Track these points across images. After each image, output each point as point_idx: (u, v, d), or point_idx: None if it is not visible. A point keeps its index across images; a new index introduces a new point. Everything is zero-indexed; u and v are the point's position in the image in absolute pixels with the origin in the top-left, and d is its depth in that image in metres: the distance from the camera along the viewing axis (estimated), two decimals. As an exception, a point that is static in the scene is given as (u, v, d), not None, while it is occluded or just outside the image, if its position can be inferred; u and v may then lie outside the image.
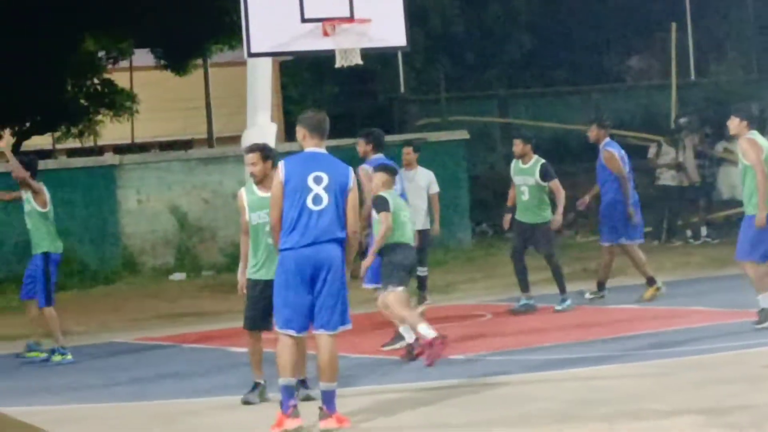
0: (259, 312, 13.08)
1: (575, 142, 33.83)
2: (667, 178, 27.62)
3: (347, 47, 18.57)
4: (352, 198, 11.48)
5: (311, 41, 18.48)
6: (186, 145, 34.72)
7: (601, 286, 20.18)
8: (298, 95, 40.79)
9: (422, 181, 20.56)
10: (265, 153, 13.21)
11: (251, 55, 18.86)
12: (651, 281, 19.80)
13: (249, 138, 19.88)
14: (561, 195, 19.56)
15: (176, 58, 29.94)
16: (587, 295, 20.19)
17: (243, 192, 13.31)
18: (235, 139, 22.88)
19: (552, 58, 45.30)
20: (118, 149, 31.74)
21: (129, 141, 34.99)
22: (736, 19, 44.84)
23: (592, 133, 20.27)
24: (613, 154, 19.85)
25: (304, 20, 18.06)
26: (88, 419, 13.00)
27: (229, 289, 19.13)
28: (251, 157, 13.15)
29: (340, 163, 11.57)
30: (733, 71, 42.68)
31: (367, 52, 19.49)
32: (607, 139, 20.13)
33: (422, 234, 19.77)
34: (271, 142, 20.39)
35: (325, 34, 18.49)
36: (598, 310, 19.49)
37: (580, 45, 45.99)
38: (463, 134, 30.45)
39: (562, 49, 45.62)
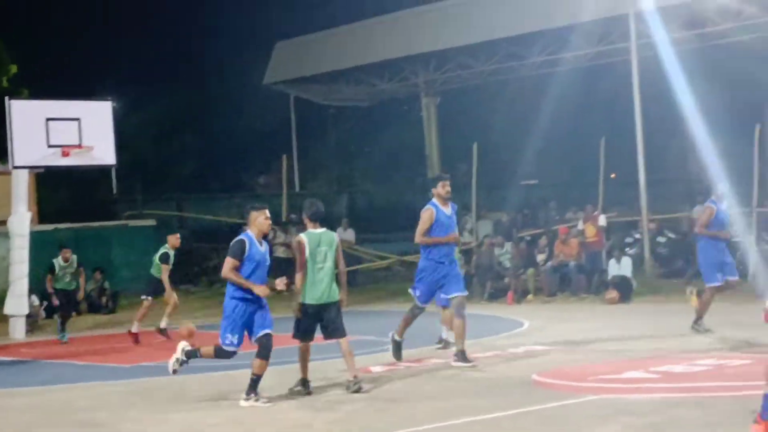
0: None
1: (221, 229, 33.97)
2: (280, 252, 27.76)
3: (78, 164, 19.39)
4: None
5: (55, 159, 19.45)
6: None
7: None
8: (46, 195, 39.45)
9: None
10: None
11: (15, 167, 20.21)
12: None
13: (12, 221, 21.04)
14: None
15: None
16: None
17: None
18: (3, 222, 22.41)
19: (214, 176, 45.66)
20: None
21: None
22: (323, 154, 45.98)
23: None
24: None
25: (49, 146, 19.21)
26: None
27: None
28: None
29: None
30: (321, 186, 43.73)
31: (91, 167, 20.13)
32: None
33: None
34: (27, 225, 20.53)
35: (64, 154, 19.08)
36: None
37: (229, 166, 46.37)
38: (152, 222, 30.07)
39: (221, 169, 46.00)
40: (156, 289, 18.44)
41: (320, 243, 11.41)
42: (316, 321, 11.50)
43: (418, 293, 13.24)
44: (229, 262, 10.92)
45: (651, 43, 25.00)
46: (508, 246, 24.09)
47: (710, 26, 25.90)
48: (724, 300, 20.22)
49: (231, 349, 11.09)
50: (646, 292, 22.21)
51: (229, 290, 11.03)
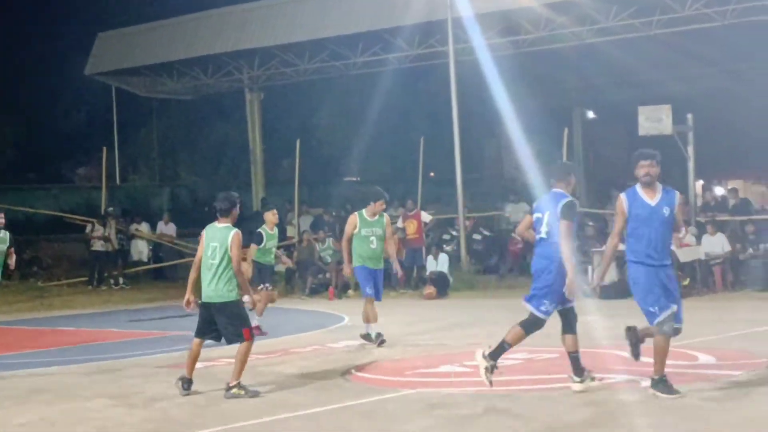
0: None
1: (41, 220, 33.15)
2: (98, 245, 27.20)
3: None
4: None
5: None
6: None
7: None
8: None
9: None
10: None
11: None
12: None
13: None
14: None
15: None
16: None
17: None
18: None
19: (32, 167, 44.37)
20: None
21: None
22: (145, 146, 45.20)
23: None
24: None
25: None
26: None
27: None
28: None
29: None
30: (143, 179, 43.00)
31: None
32: None
33: None
34: None
35: None
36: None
37: (48, 157, 45.12)
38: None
39: (39, 160, 44.75)
40: (264, 278, 16.34)
41: (213, 238, 10.73)
42: (208, 320, 10.75)
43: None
44: (566, 226, 9.95)
45: (469, 47, 25.60)
46: (329, 241, 24.26)
47: (524, 34, 26.70)
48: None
49: (545, 317, 10.19)
50: (462, 287, 22.74)
51: (558, 256, 9.97)
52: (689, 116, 22.54)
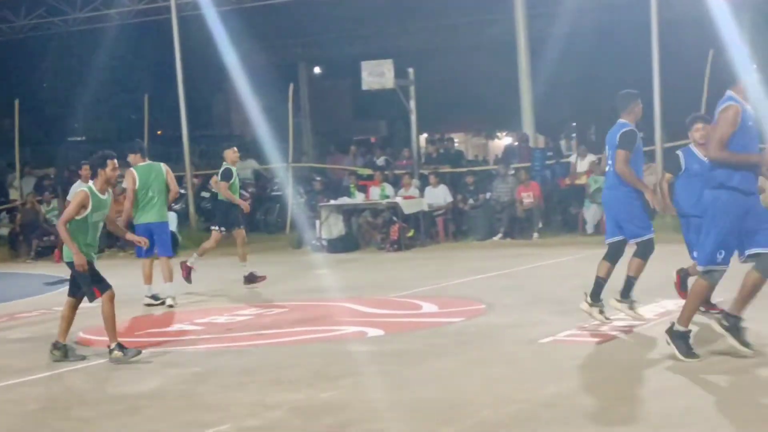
0: None
1: None
2: None
3: None
4: None
5: None
6: None
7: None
8: None
9: None
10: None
11: None
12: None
13: None
14: None
15: None
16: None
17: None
18: None
19: None
20: None
21: None
22: None
23: None
24: None
25: None
26: None
27: None
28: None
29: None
30: None
31: None
32: None
33: None
34: None
35: None
36: None
37: None
38: None
39: None
40: (229, 220, 15.44)
41: None
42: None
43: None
44: (622, 155, 9.83)
45: (193, 2, 25.25)
46: (54, 203, 23.50)
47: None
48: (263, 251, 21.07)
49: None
50: (192, 245, 22.49)
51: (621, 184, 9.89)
52: (410, 70, 22.97)
